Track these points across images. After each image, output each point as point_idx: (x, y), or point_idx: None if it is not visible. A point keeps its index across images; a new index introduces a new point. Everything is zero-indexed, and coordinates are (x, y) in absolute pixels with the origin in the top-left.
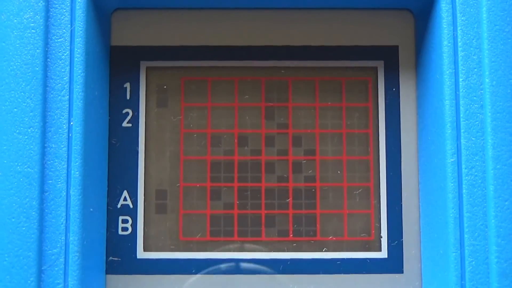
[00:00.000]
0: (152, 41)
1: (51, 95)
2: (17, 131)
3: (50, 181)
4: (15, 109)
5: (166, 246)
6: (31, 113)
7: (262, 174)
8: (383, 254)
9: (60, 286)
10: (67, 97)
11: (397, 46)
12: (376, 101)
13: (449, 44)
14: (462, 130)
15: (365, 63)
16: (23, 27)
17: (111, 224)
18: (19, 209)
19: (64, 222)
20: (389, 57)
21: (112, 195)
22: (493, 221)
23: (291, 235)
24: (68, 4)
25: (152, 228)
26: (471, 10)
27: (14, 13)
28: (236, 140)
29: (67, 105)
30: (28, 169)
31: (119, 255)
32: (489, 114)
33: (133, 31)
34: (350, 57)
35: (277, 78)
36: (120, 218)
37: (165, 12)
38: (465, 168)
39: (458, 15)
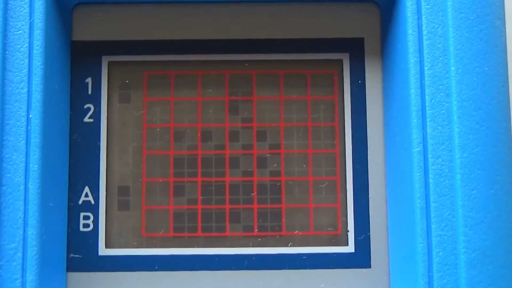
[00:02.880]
0: (114, 35)
1: (9, 88)
2: None
3: (8, 175)
4: None
5: (129, 243)
6: None
7: (226, 169)
8: (350, 248)
9: (18, 281)
10: (26, 89)
11: (363, 38)
12: (342, 94)
13: (414, 33)
14: (428, 119)
15: (330, 55)
16: None
17: (72, 220)
18: None
19: (22, 216)
20: (354, 49)
21: (73, 191)
22: (460, 210)
23: (256, 230)
24: None
25: (114, 225)
26: None
27: None
28: (199, 135)
29: (26, 98)
30: None
31: (80, 252)
32: (455, 102)
33: (94, 26)
34: (315, 50)
35: (241, 72)
36: (82, 214)
37: (127, 7)
38: (431, 158)
39: (423, 3)
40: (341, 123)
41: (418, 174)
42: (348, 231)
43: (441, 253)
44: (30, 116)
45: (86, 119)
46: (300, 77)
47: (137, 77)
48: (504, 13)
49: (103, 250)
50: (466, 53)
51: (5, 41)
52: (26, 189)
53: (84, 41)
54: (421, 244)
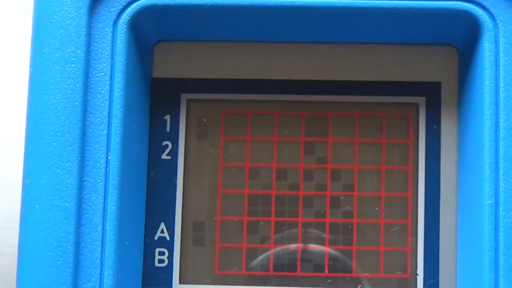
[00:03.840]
0: (193, 73)
1: (90, 130)
2: (56, 165)
3: (87, 215)
4: (54, 143)
5: (202, 279)
6: (69, 148)
7: (299, 209)
8: None
9: None
10: (106, 131)
11: (440, 83)
12: (417, 138)
13: (491, 85)
14: (501, 172)
15: (407, 99)
16: (64, 61)
17: (148, 256)
18: (55, 243)
19: (100, 256)
20: (431, 93)
21: (150, 227)
22: None
23: (327, 271)
24: (109, 38)
25: (188, 261)
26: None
27: (55, 47)
28: (274, 174)
29: (106, 140)
30: (65, 203)
31: (155, 287)
32: None
33: (174, 63)
34: (391, 93)
35: (317, 113)
36: (157, 250)
37: (207, 45)
38: (503, 211)
39: (501, 55)
40: (415, 167)
41: (489, 227)
42: (417, 275)
43: None
44: (109, 158)
45: (163, 156)
46: (375, 119)
47: (214, 115)
48: None
49: (177, 286)
50: None
51: (86, 83)
52: (103, 229)
53: (164, 78)
54: None
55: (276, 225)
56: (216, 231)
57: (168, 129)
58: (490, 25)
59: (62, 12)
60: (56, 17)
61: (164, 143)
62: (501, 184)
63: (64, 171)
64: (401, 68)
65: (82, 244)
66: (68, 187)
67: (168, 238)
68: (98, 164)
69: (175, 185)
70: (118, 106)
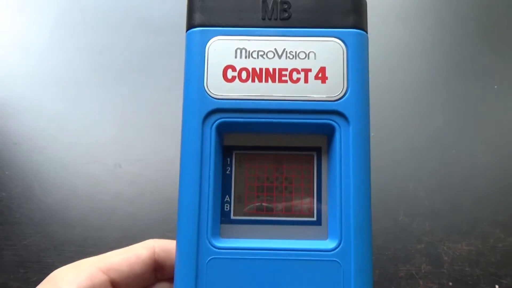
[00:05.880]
0: (238, 143)
1: (204, 168)
2: (193, 179)
3: (204, 194)
4: (190, 172)
5: (239, 213)
6: (194, 173)
7: (273, 194)
8: (314, 218)
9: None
10: (208, 169)
11: (320, 147)
12: (313, 168)
13: (340, 149)
14: (342, 186)
15: (308, 153)
16: (192, 143)
17: (222, 207)
18: (191, 207)
19: (210, 208)
20: (318, 151)
21: (223, 197)
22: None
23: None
24: (209, 134)
25: (235, 209)
26: (346, 130)
27: (189, 139)
28: (265, 180)
29: (208, 170)
30: (195, 194)
31: (224, 217)
32: (352, 180)
33: (231, 140)
34: (301, 150)
35: (275, 155)
36: (225, 205)
37: (245, 133)
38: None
39: (343, 142)
40: (313, 177)
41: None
42: (314, 212)
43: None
44: (209, 173)
45: (227, 172)
46: (298, 159)
47: (245, 158)
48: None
49: (231, 218)
50: (358, 160)
51: (201, 150)
52: (208, 200)
53: (227, 145)
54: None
55: (260, 197)
56: (245, 199)
57: (228, 163)
58: (339, 127)
59: (193, 123)
60: (189, 126)
61: (227, 172)
62: (342, 180)
63: (193, 182)
64: (305, 141)
65: (201, 206)
66: (195, 187)
67: (229, 201)
68: (208, 176)
69: (231, 184)
70: (212, 157)
